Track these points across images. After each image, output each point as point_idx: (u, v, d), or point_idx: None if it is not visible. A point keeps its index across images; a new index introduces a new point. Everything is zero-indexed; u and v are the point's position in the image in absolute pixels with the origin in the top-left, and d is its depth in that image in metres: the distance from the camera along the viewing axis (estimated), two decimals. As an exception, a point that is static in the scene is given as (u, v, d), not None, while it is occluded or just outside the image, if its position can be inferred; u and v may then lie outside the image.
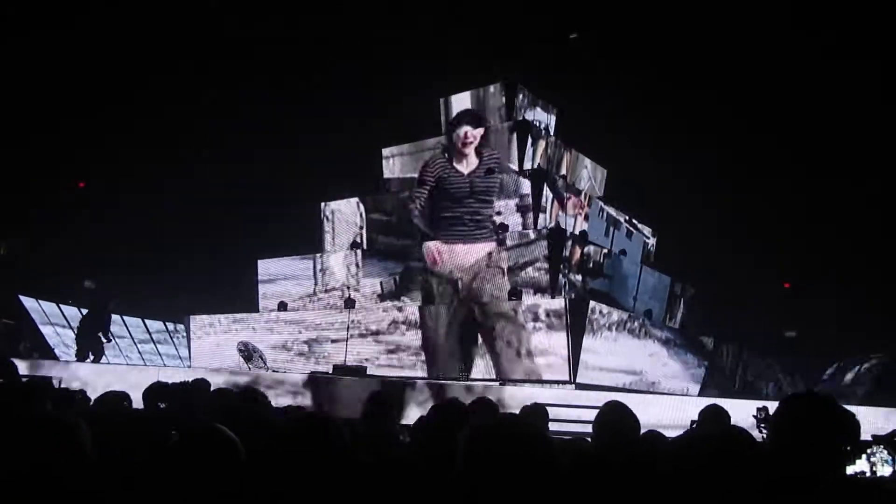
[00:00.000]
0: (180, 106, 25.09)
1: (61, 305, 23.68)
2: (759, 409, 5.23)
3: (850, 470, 2.92)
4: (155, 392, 5.40)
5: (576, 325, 16.09)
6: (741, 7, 22.89)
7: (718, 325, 23.12)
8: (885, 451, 3.48)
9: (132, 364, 21.71)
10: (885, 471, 3.57)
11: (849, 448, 2.66)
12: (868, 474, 3.51)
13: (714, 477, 2.71)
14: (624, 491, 2.76)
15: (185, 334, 24.24)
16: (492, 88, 23.36)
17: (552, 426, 6.18)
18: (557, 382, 15.90)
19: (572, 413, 10.78)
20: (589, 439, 4.34)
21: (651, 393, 17.68)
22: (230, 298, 22.74)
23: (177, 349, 25.94)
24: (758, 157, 25.43)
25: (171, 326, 27.03)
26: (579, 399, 13.37)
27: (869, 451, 3.44)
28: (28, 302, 22.74)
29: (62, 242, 23.87)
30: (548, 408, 5.97)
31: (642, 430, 4.22)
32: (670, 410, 12.86)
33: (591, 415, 4.39)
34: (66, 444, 2.36)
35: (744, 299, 24.60)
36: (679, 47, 24.31)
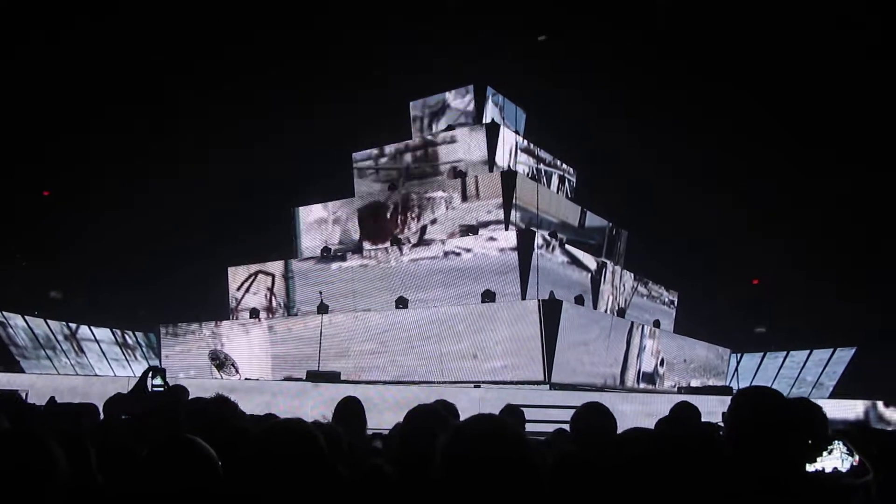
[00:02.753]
0: (149, 116, 24.83)
1: (26, 317, 23.24)
2: (723, 414, 5.21)
3: (811, 467, 2.92)
4: (116, 403, 5.30)
5: (550, 324, 16.12)
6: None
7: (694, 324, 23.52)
8: (844, 446, 3.49)
9: (101, 375, 21.33)
10: (843, 466, 3.56)
11: (811, 442, 2.66)
12: (829, 471, 3.51)
13: (680, 476, 2.73)
14: (605, 491, 2.75)
15: (155, 344, 23.95)
16: (462, 91, 23.51)
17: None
18: (532, 383, 15.92)
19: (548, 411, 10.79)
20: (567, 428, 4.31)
21: (625, 391, 17.81)
22: (201, 307, 22.51)
23: (146, 359, 25.57)
24: (726, 159, 25.76)
25: (140, 336, 26.65)
26: (554, 398, 13.39)
27: (829, 446, 3.44)
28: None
29: (28, 253, 23.45)
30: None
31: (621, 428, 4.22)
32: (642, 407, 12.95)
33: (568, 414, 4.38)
34: (41, 458, 2.30)
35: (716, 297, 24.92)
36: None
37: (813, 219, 24.38)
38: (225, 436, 2.96)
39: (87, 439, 2.99)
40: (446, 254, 19.38)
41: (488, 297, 17.54)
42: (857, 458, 3.26)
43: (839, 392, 23.34)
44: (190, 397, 5.34)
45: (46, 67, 22.79)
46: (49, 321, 23.67)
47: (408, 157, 23.20)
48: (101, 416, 5.76)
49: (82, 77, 23.45)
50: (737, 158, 25.54)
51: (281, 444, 2.62)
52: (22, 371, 19.92)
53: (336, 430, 3.41)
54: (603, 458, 2.81)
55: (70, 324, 24.32)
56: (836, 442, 3.52)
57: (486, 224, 19.91)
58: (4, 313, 22.50)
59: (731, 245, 25.91)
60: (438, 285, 19.13)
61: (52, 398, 7.33)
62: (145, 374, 5.44)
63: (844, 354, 25.29)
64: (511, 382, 16.08)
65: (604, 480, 2.64)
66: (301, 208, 23.29)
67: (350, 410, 4.90)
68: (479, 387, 15.34)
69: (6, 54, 21.89)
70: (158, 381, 5.38)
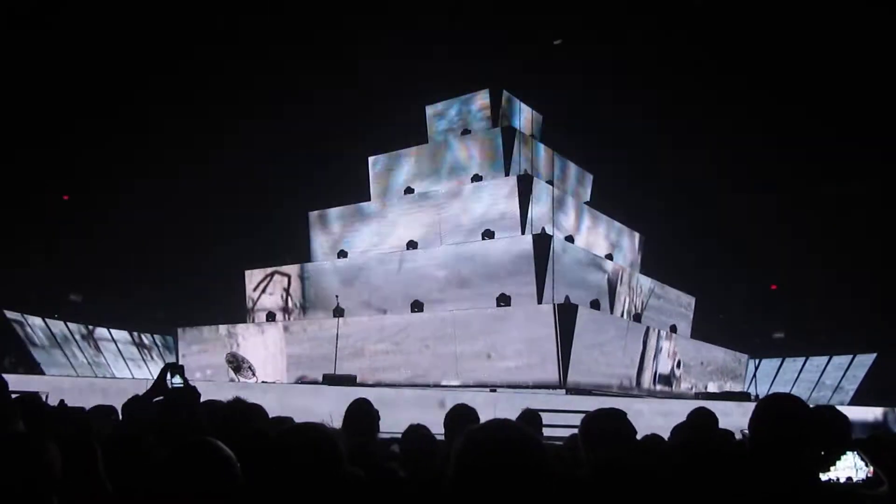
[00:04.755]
0: (164, 119, 24.98)
1: (47, 319, 23.49)
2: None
3: (825, 476, 2.90)
4: (135, 404, 5.32)
5: (565, 329, 16.04)
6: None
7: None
8: (859, 457, 3.44)
9: (120, 378, 21.50)
10: (857, 476, 3.51)
11: (823, 452, 2.65)
12: (843, 481, 3.46)
13: (699, 482, 2.73)
14: (626, 496, 2.75)
15: (172, 345, 24.12)
16: (477, 95, 23.48)
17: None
18: (547, 387, 15.85)
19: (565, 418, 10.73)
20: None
21: (640, 396, 17.70)
22: (219, 309, 22.62)
23: (163, 359, 25.74)
24: (745, 162, 25.56)
25: (159, 339, 26.86)
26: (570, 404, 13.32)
27: (843, 456, 3.39)
28: (12, 316, 22.54)
29: (47, 256, 23.67)
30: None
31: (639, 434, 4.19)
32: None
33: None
34: (32, 464, 2.33)
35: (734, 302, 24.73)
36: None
37: (833, 222, 24.15)
38: (243, 439, 2.98)
39: (95, 442, 3.02)
40: (461, 257, 19.33)
41: (503, 300, 17.50)
42: (871, 468, 3.23)
43: (858, 399, 23.09)
44: (210, 401, 5.38)
45: (67, 68, 22.99)
46: (68, 323, 23.94)
47: (423, 161, 23.20)
48: (120, 418, 5.81)
49: (99, 80, 23.64)
50: (751, 161, 25.37)
51: (298, 449, 2.63)
52: (42, 373, 20.14)
53: (338, 433, 3.42)
54: (623, 462, 2.81)
55: (88, 326, 24.58)
56: (850, 452, 3.47)
57: (502, 228, 19.85)
58: (24, 315, 22.78)
59: (750, 249, 25.72)
60: (454, 288, 19.06)
61: (62, 401, 7.41)
62: (164, 371, 5.39)
63: (865, 360, 25.02)
64: (526, 385, 16.03)
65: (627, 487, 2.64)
66: (317, 211, 23.33)
67: (360, 413, 4.82)
68: (494, 390, 15.30)
69: (15, 44, 22.00)
70: (178, 379, 5.34)
